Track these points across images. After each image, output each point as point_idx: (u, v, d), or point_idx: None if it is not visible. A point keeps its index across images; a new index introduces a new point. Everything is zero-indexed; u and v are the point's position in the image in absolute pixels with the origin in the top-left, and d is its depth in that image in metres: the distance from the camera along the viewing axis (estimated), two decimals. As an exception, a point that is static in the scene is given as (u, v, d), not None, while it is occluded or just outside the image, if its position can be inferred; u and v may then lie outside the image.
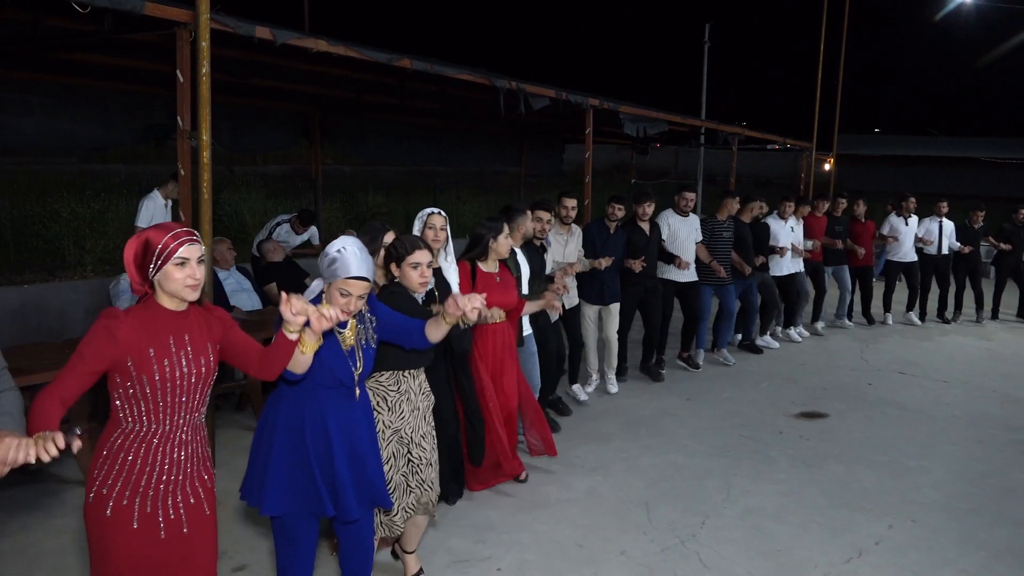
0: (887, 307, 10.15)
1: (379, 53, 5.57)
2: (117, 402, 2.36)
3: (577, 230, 6.36)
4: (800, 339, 9.02)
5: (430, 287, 3.88)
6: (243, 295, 6.58)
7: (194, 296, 2.40)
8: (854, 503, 4.72)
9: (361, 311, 3.00)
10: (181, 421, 2.42)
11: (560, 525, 4.32)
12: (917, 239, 9.97)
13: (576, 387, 6.58)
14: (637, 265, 6.52)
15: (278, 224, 8.31)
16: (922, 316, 10.29)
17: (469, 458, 4.53)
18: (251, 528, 4.10)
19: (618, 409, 6.40)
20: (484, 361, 4.58)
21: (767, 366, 7.93)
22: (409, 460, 3.42)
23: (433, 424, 3.59)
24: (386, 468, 3.29)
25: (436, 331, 3.02)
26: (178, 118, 4.39)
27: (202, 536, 2.51)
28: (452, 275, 4.36)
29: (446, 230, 4.23)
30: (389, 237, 3.78)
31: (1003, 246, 10.44)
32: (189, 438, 2.46)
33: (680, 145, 22.68)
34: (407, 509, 3.42)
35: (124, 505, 2.34)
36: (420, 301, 3.61)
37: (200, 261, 2.39)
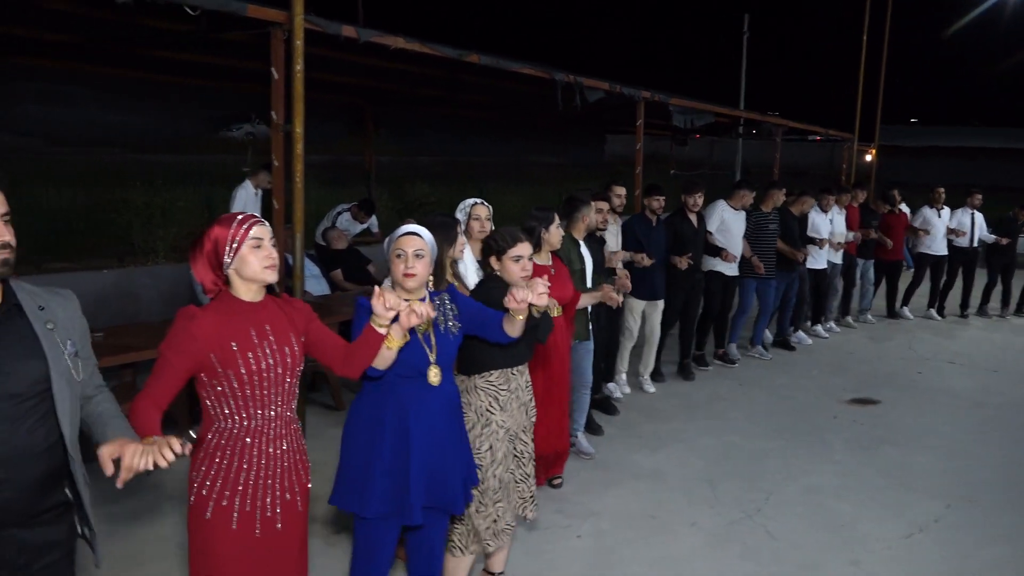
0: (907, 300, 9.99)
1: (448, 48, 5.81)
2: (207, 402, 2.35)
3: (618, 221, 6.20)
4: (827, 335, 8.87)
5: (478, 278, 3.79)
6: (312, 281, 6.89)
7: (274, 277, 2.35)
8: (911, 483, 4.89)
9: (441, 299, 2.95)
10: (272, 415, 2.39)
11: (630, 499, 4.56)
12: (949, 231, 9.82)
13: (611, 385, 6.43)
14: (683, 262, 6.41)
15: (339, 213, 8.61)
16: (940, 311, 10.14)
17: None
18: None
19: (673, 394, 6.60)
20: (544, 361, 4.36)
21: (816, 355, 8.08)
22: (516, 456, 3.38)
23: (533, 418, 3.54)
24: (499, 468, 3.23)
25: (511, 327, 2.85)
26: (272, 112, 4.67)
27: (294, 532, 2.48)
28: (470, 268, 4.05)
29: (490, 220, 4.20)
30: (482, 211, 4.03)
31: None
32: (283, 433, 2.42)
33: (717, 136, 22.69)
34: (516, 509, 3.36)
35: (224, 506, 2.33)
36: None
37: (272, 242, 2.35)
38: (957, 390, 6.96)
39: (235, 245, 2.30)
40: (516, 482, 3.38)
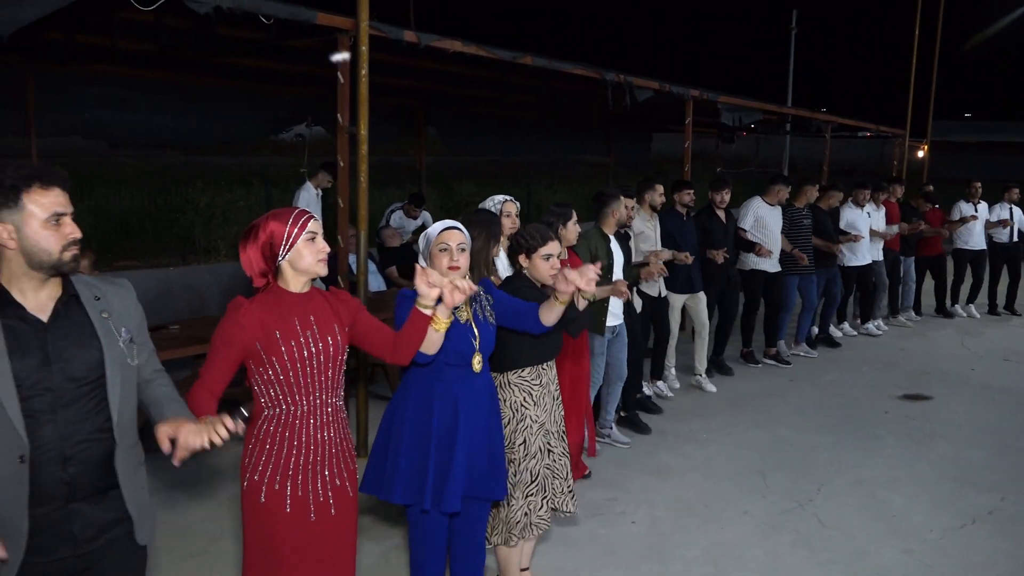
0: (956, 298, 9.92)
1: (503, 51, 5.98)
2: (256, 388, 2.46)
3: (655, 218, 6.17)
4: (879, 332, 8.81)
5: (508, 273, 3.85)
6: (370, 277, 7.12)
7: (324, 270, 2.46)
8: (963, 477, 4.92)
9: (478, 292, 3.01)
10: (318, 401, 2.48)
11: (683, 488, 4.67)
12: (989, 224, 9.69)
13: (660, 384, 6.44)
14: (720, 256, 6.44)
15: (392, 211, 8.86)
16: (992, 308, 10.02)
17: None
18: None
19: (722, 390, 6.67)
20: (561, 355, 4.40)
21: (867, 352, 8.06)
22: (550, 451, 3.41)
23: (562, 411, 3.60)
24: (533, 462, 3.31)
25: (549, 313, 2.90)
26: (338, 115, 4.90)
27: (347, 517, 2.56)
28: (501, 265, 4.06)
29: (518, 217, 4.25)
30: (510, 208, 4.03)
31: None
32: (330, 419, 2.51)
33: (763, 134, 22.51)
34: (551, 500, 3.39)
35: (276, 490, 2.43)
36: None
37: (322, 236, 2.47)
38: (1011, 387, 6.91)
39: (291, 239, 2.41)
40: (554, 476, 3.40)
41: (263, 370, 2.42)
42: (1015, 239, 9.87)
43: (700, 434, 5.58)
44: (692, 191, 6.48)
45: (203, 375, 2.40)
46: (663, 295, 6.15)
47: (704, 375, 6.68)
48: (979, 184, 9.77)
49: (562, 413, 3.54)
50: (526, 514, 3.28)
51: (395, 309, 2.83)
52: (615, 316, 5.07)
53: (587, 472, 4.77)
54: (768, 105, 10.61)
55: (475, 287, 2.56)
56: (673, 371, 6.63)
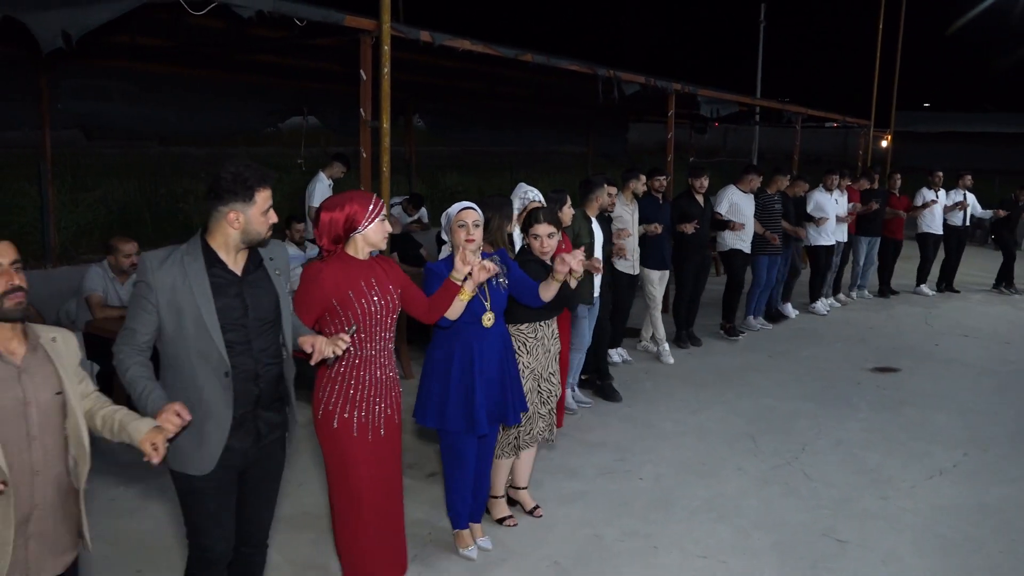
0: (924, 279, 10.64)
1: (507, 49, 6.37)
2: (328, 335, 2.93)
3: (635, 203, 6.67)
4: (826, 312, 9.29)
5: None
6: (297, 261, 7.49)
7: (385, 245, 3.15)
8: (930, 437, 5.46)
9: (494, 259, 3.44)
10: (380, 346, 3.08)
11: (681, 450, 5.15)
12: (946, 208, 10.42)
13: (615, 351, 6.91)
14: (689, 227, 7.00)
15: (392, 205, 9.20)
16: (940, 286, 10.82)
17: None
18: (433, 445, 4.99)
19: (708, 363, 7.17)
20: None
21: (837, 329, 8.63)
22: (539, 392, 4.00)
23: (558, 364, 4.19)
24: (527, 400, 3.86)
25: (546, 291, 3.56)
26: (360, 110, 5.26)
27: (394, 439, 3.18)
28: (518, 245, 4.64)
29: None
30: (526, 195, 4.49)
31: None
32: (385, 361, 3.12)
33: (733, 124, 23.12)
34: (539, 434, 4.02)
35: (345, 418, 3.03)
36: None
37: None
38: (972, 360, 7.51)
39: (371, 217, 3.03)
40: (540, 416, 4.00)
41: (338, 322, 2.99)
42: (966, 223, 10.65)
43: (692, 403, 6.06)
44: (664, 177, 7.13)
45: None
46: (636, 273, 6.69)
47: (667, 347, 7.18)
48: (941, 173, 10.47)
49: (556, 365, 4.14)
50: (516, 438, 3.95)
51: (424, 279, 3.44)
52: (595, 288, 5.60)
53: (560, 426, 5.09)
54: (744, 98, 11.12)
55: (498, 268, 3.19)
56: (666, 344, 7.17)
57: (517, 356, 3.88)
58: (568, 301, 4.06)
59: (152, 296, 2.51)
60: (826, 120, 16.48)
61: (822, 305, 9.34)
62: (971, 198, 10.63)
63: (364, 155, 5.38)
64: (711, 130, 24.14)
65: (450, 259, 3.42)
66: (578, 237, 5.36)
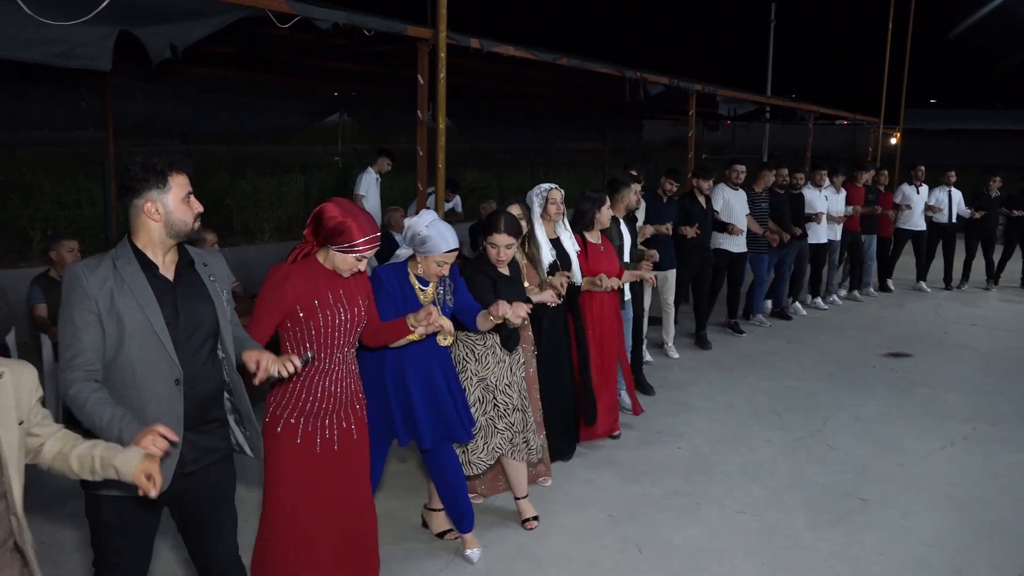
0: (890, 273, 10.60)
1: (545, 53, 6.83)
2: (287, 344, 2.86)
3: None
4: (827, 307, 9.35)
5: (552, 259, 4.45)
6: (405, 252, 7.96)
7: (348, 275, 2.89)
8: (942, 414, 5.91)
9: (447, 280, 3.44)
10: (338, 359, 2.91)
11: (713, 425, 5.61)
12: (927, 208, 10.31)
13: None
14: (691, 231, 6.89)
15: (428, 195, 9.66)
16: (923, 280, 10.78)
17: (584, 418, 4.87)
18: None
19: (730, 349, 7.63)
20: (592, 327, 4.91)
21: (850, 318, 9.07)
22: (495, 405, 3.78)
23: (522, 375, 3.98)
24: (473, 411, 3.69)
25: (483, 322, 3.39)
26: (418, 111, 5.73)
27: (352, 454, 2.99)
28: (570, 245, 4.72)
29: (563, 203, 4.67)
30: (514, 209, 4.16)
31: (1015, 213, 10.64)
32: (343, 374, 2.94)
33: (744, 121, 23.51)
34: (496, 449, 3.78)
35: (291, 423, 2.88)
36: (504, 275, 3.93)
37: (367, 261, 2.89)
38: (980, 346, 7.95)
39: (348, 249, 2.81)
40: (496, 429, 3.78)
41: (298, 329, 2.84)
42: (952, 220, 10.55)
43: (719, 384, 6.52)
44: (678, 184, 7.03)
45: (251, 330, 2.77)
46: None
47: (672, 344, 7.23)
48: (923, 168, 10.45)
49: (518, 376, 3.93)
50: (463, 452, 3.75)
51: (375, 289, 3.18)
52: (626, 292, 5.53)
53: (617, 433, 5.19)
54: (761, 97, 11.56)
55: (449, 326, 3.09)
56: (671, 344, 7.22)
57: (464, 362, 3.78)
58: (506, 342, 3.81)
59: (92, 305, 2.28)
60: (836, 118, 16.91)
61: (822, 301, 9.37)
62: (957, 195, 10.57)
63: (421, 153, 5.85)
64: (721, 127, 24.54)
65: (402, 267, 3.34)
66: (608, 239, 5.25)
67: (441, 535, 3.89)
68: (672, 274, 6.98)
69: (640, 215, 6.53)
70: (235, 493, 2.67)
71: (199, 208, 2.42)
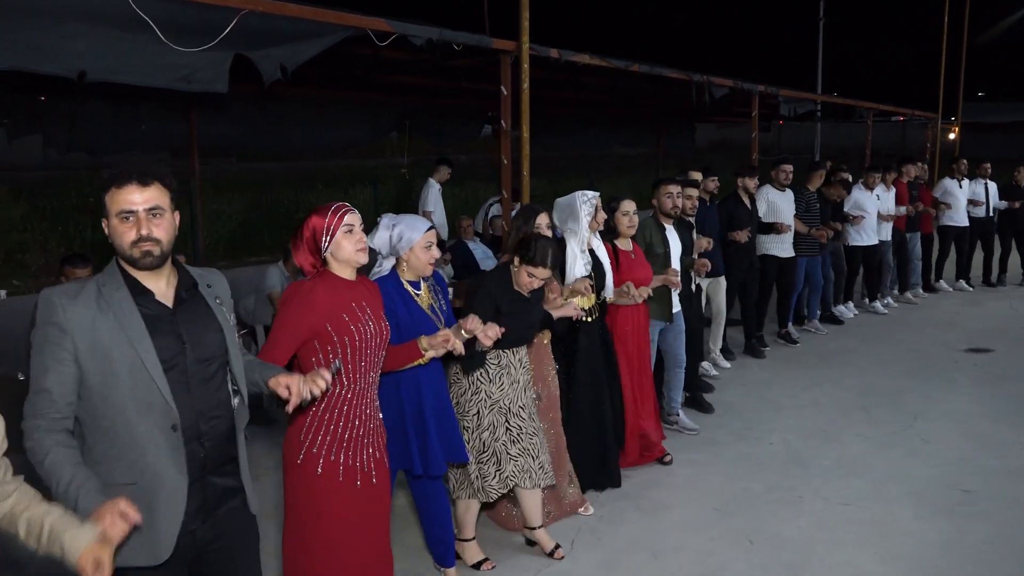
0: (940, 274, 10.27)
1: (618, 60, 6.96)
2: (315, 368, 2.48)
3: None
4: (885, 310, 9.03)
5: (587, 272, 4.22)
6: (490, 262, 8.14)
7: (365, 258, 2.65)
8: (1035, 408, 5.87)
9: (432, 282, 3.31)
10: (370, 379, 2.71)
11: (801, 419, 5.65)
12: (968, 202, 9.95)
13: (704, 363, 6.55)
14: (743, 235, 6.59)
15: (491, 204, 9.85)
16: (969, 281, 10.37)
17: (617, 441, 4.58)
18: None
19: (806, 346, 7.63)
20: (623, 342, 4.60)
21: (925, 315, 8.98)
22: (507, 428, 3.55)
23: (532, 397, 3.74)
24: (486, 434, 3.53)
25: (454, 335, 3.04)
26: (502, 121, 5.90)
27: (385, 485, 2.80)
28: (603, 255, 4.48)
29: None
30: (542, 219, 3.93)
31: None
32: (372, 397, 2.74)
33: (796, 121, 23.28)
34: (510, 478, 3.56)
35: (332, 461, 2.62)
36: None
37: (361, 227, 2.64)
38: (1063, 340, 7.83)
39: (331, 232, 2.60)
40: (509, 456, 3.55)
41: (329, 348, 2.60)
42: (989, 214, 10.18)
43: (802, 381, 6.54)
44: (716, 179, 6.83)
45: (267, 353, 2.55)
46: (698, 284, 6.08)
47: (719, 353, 6.91)
48: (965, 161, 10.16)
49: (532, 398, 3.73)
50: (477, 478, 3.56)
51: (388, 304, 2.96)
52: (673, 304, 5.15)
53: (665, 456, 4.85)
54: (822, 96, 11.50)
55: (460, 347, 2.95)
56: (717, 353, 6.91)
57: (479, 383, 3.56)
58: (465, 362, 3.48)
59: (66, 342, 1.96)
60: (893, 114, 16.70)
61: (880, 305, 9.04)
62: (992, 187, 10.19)
63: (505, 162, 6.02)
64: (772, 128, 24.36)
65: (392, 276, 3.19)
66: (650, 247, 5.02)
67: (477, 566, 3.68)
68: (722, 280, 6.72)
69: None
70: (259, 544, 2.38)
71: (144, 230, 2.01)
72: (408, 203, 9.52)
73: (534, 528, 3.79)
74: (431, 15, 6.10)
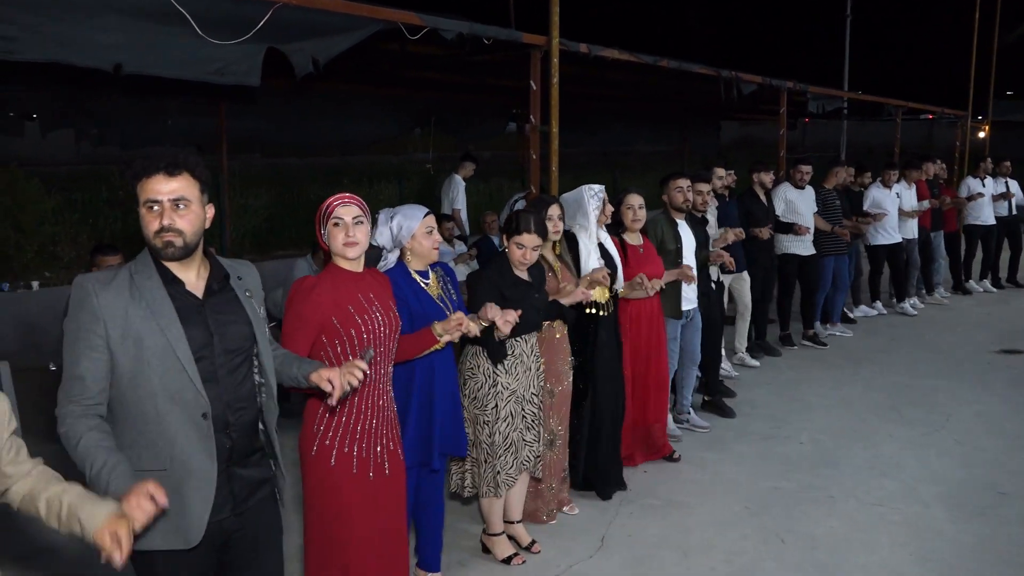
0: (969, 274, 10.10)
1: (646, 56, 6.92)
2: (327, 362, 2.56)
3: (714, 202, 6.16)
4: (915, 311, 8.85)
5: (599, 266, 4.12)
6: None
7: (353, 254, 2.60)
8: (1070, 410, 5.77)
9: (441, 272, 3.29)
10: (382, 371, 2.72)
11: (831, 418, 5.59)
12: (994, 198, 9.78)
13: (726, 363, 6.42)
14: (765, 232, 6.51)
15: (516, 201, 9.82)
16: (995, 282, 10.23)
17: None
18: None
19: (832, 345, 7.55)
20: (631, 335, 4.56)
21: (954, 315, 8.87)
22: (523, 416, 3.57)
23: (541, 384, 3.70)
24: (504, 425, 3.50)
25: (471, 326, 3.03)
26: (531, 116, 5.88)
27: (399, 477, 2.81)
28: (612, 249, 4.43)
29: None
30: (554, 210, 3.87)
31: None
32: (385, 388, 2.76)
33: (822, 119, 23.07)
34: (524, 463, 3.59)
35: (345, 452, 2.64)
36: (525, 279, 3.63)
37: (357, 222, 2.59)
38: (1098, 341, 7.69)
39: (325, 220, 2.62)
40: (525, 442, 3.58)
41: (337, 343, 2.62)
42: (1013, 212, 10.03)
43: (831, 381, 6.47)
44: (731, 171, 6.65)
45: (286, 347, 2.52)
46: (719, 280, 5.87)
47: (746, 352, 6.84)
48: (989, 159, 10.02)
49: (542, 385, 3.70)
50: (498, 472, 3.52)
51: (397, 292, 2.94)
52: (688, 300, 5.07)
53: (673, 454, 4.84)
54: (851, 93, 11.37)
55: (475, 329, 2.95)
56: (743, 352, 6.83)
57: (495, 375, 3.50)
58: (491, 352, 3.48)
59: (99, 328, 1.99)
60: (922, 112, 16.46)
61: (908, 306, 8.87)
62: (1014, 185, 10.04)
63: (534, 157, 6.00)
64: (798, 125, 24.12)
65: (400, 267, 3.14)
66: (662, 243, 4.95)
67: (507, 560, 3.63)
68: (746, 276, 6.58)
69: (711, 218, 6.04)
70: (282, 536, 2.38)
71: (166, 220, 2.01)
72: (432, 199, 9.51)
73: (514, 521, 3.78)
74: (456, 9, 6.10)
